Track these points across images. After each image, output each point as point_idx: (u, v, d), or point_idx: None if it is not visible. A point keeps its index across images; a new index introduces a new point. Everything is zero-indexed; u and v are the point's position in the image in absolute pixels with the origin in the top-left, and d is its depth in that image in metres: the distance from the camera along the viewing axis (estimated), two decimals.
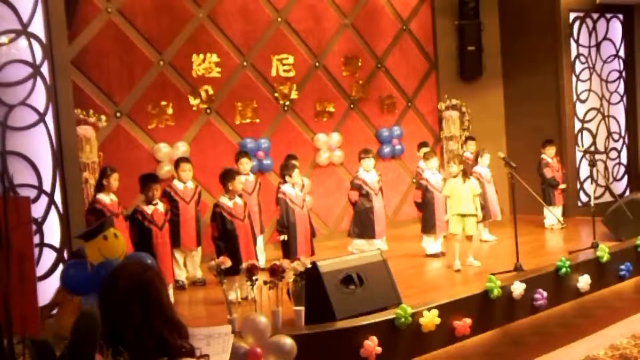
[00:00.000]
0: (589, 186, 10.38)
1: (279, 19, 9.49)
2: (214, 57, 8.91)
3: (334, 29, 10.02)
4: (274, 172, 9.17)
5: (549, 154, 9.64)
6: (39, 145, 5.87)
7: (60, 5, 6.12)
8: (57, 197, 5.97)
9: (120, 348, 2.20)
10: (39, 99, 5.90)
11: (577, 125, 10.68)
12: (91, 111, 7.70)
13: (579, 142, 10.67)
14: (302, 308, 5.52)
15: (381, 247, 7.53)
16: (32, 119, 5.84)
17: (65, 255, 5.91)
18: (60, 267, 5.75)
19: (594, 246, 7.59)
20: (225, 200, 6.81)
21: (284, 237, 7.45)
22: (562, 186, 9.62)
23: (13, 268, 3.23)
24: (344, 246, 8.51)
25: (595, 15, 10.81)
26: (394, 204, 10.48)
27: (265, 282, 5.57)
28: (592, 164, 8.62)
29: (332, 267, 5.75)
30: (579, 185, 10.66)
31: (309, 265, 5.65)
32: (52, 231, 5.93)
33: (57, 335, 3.68)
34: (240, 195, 7.04)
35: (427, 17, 10.97)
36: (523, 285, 6.38)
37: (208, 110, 8.89)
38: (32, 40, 5.85)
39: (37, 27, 5.90)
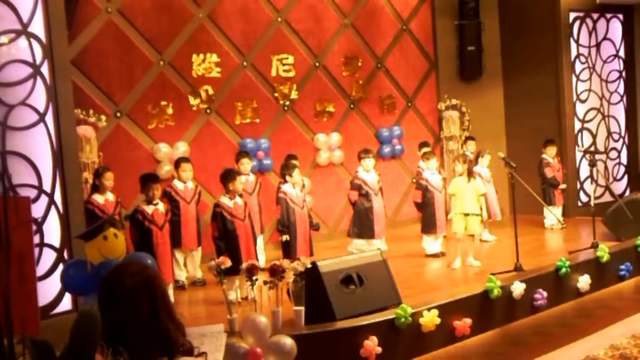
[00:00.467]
0: (589, 186, 10.38)
1: (279, 19, 9.49)
2: (214, 57, 8.91)
3: (334, 29, 10.02)
4: (274, 172, 9.17)
5: (550, 153, 9.64)
6: (39, 145, 5.85)
7: (60, 5, 6.10)
8: (57, 197, 5.95)
9: (120, 348, 2.20)
10: (39, 99, 5.89)
11: (577, 125, 10.69)
12: (91, 111, 7.72)
13: (579, 142, 10.67)
14: (302, 308, 5.52)
15: (380, 247, 7.52)
16: (32, 119, 5.82)
17: (65, 255, 5.90)
18: (60, 267, 5.74)
19: (594, 246, 7.59)
20: (225, 200, 6.81)
21: (285, 237, 7.44)
22: (563, 186, 9.64)
23: (13, 268, 3.22)
24: (343, 246, 8.52)
25: (595, 15, 10.81)
26: (394, 204, 10.48)
27: (265, 282, 5.57)
28: (592, 164, 8.61)
29: (332, 267, 5.75)
30: (579, 185, 10.66)
31: (309, 265, 5.65)
32: (52, 231, 5.91)
33: None
34: (241, 195, 7.04)
35: (427, 17, 10.97)
36: (523, 285, 6.37)
37: (208, 110, 8.89)
38: (32, 40, 5.84)
39: (37, 27, 5.88)
